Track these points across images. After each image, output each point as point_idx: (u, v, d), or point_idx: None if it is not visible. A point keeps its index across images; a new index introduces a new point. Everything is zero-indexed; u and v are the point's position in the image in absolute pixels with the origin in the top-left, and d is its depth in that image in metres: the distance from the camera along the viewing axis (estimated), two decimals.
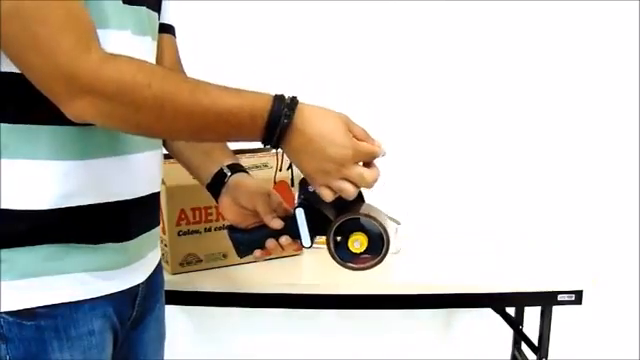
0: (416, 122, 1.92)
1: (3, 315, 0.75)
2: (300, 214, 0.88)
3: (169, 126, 0.73)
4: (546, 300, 1.44)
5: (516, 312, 1.81)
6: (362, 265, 0.88)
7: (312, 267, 1.58)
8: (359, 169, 0.78)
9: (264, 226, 0.90)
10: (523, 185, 1.95)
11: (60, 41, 0.66)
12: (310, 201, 0.87)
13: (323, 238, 0.90)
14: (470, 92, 1.91)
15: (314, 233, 0.89)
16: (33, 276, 0.77)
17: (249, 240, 0.92)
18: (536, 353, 1.53)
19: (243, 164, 1.51)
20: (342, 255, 0.87)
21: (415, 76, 1.90)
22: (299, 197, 0.89)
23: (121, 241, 0.84)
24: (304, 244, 0.89)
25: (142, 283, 0.92)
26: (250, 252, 0.92)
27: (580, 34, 1.87)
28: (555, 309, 1.46)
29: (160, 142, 0.95)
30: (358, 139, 0.78)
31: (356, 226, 0.86)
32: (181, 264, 1.42)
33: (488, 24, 1.87)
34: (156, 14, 0.93)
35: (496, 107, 1.92)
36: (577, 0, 1.84)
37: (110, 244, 0.83)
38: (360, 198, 0.88)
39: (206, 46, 1.86)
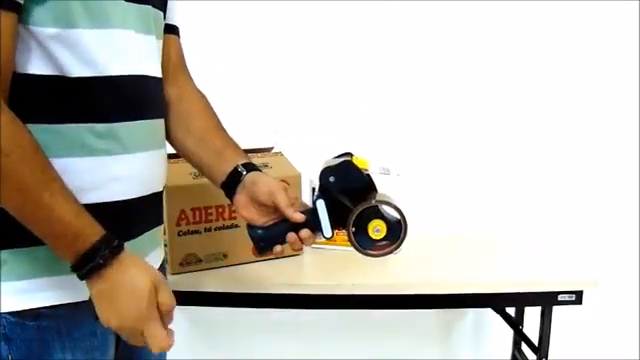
0: (416, 122, 1.92)
1: (5, 315, 0.75)
2: (321, 205, 0.91)
3: (2, 199, 0.71)
4: (546, 300, 1.43)
5: (516, 312, 1.81)
6: (382, 251, 0.91)
7: (313, 267, 1.57)
8: (142, 339, 0.78)
9: (282, 221, 0.92)
10: (523, 185, 1.95)
11: None
12: (329, 191, 0.91)
13: (322, 238, 0.92)
14: (470, 92, 1.91)
15: (334, 223, 0.91)
16: (35, 277, 0.77)
17: (269, 236, 0.93)
18: (536, 353, 1.53)
19: None
20: (362, 242, 0.90)
21: (415, 76, 1.90)
22: (319, 189, 0.92)
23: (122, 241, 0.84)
24: (325, 235, 0.92)
25: None
26: (270, 249, 0.93)
27: (580, 34, 1.87)
28: (555, 309, 1.46)
29: (164, 141, 0.95)
30: (161, 304, 0.80)
31: (375, 213, 0.90)
32: (181, 264, 1.41)
33: (488, 24, 1.87)
34: (162, 13, 0.93)
35: (497, 108, 1.92)
36: (577, 0, 1.84)
37: None
38: (373, 187, 0.93)
39: (206, 46, 1.86)
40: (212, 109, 1.03)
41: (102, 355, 0.84)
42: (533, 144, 1.94)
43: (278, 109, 1.90)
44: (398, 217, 0.90)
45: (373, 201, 0.90)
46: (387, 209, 0.90)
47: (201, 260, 1.44)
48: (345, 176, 0.91)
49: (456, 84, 1.91)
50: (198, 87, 1.06)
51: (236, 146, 1.00)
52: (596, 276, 1.41)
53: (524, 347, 1.77)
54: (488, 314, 1.91)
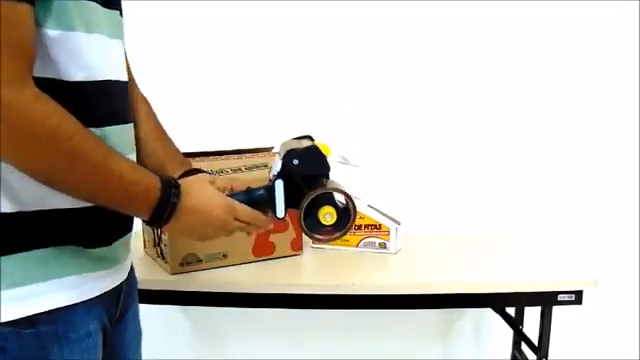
0: (416, 122, 1.92)
1: None
2: (279, 186, 0.92)
3: (75, 181, 0.73)
4: (546, 300, 1.43)
5: (516, 312, 1.81)
6: (328, 237, 0.95)
7: (312, 267, 1.57)
8: (238, 224, 0.90)
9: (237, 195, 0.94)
10: (523, 186, 1.95)
11: (1, 64, 0.65)
12: (290, 174, 0.92)
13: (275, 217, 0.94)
14: (470, 92, 1.91)
15: (288, 205, 0.93)
16: (28, 283, 0.75)
17: None
18: (536, 353, 1.53)
19: (243, 164, 1.52)
20: (311, 226, 0.93)
21: (415, 76, 1.90)
22: (280, 170, 0.93)
23: (110, 243, 0.85)
24: (278, 215, 0.93)
25: (124, 281, 0.93)
26: None
27: (580, 34, 1.87)
28: (555, 309, 1.46)
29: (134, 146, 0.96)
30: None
31: (328, 200, 0.92)
32: (181, 264, 1.41)
33: (488, 24, 1.87)
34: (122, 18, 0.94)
35: (497, 108, 1.92)
36: (577, 0, 1.84)
37: (101, 246, 0.84)
38: (325, 174, 0.94)
39: (207, 48, 1.86)
40: (154, 114, 1.05)
41: (95, 355, 0.84)
42: (533, 144, 1.94)
43: (278, 109, 1.90)
44: (349, 206, 0.93)
45: (328, 188, 0.91)
46: (339, 197, 0.93)
47: (201, 260, 1.44)
48: (309, 161, 0.92)
49: (456, 84, 1.91)
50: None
51: (176, 155, 1.04)
52: (596, 276, 1.41)
53: (524, 347, 1.77)
54: (488, 314, 1.91)
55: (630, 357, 2.04)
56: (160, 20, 1.82)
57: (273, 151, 0.94)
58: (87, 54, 0.77)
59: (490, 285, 1.43)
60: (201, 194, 0.85)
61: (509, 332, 1.89)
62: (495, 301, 1.63)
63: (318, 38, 1.87)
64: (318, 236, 0.94)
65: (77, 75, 0.76)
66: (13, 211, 0.74)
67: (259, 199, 0.93)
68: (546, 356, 1.48)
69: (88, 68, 0.78)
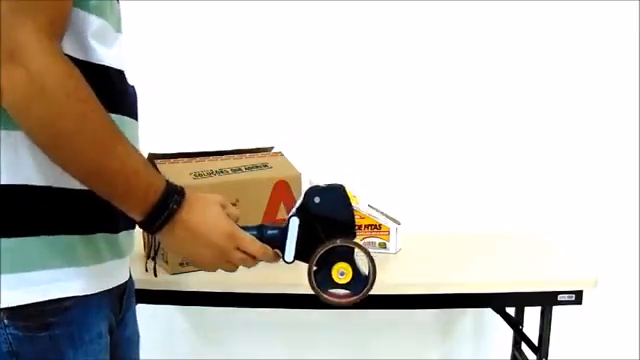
0: (416, 122, 1.93)
1: (12, 332, 0.72)
2: (294, 224, 0.82)
3: (77, 149, 0.68)
4: (546, 300, 1.43)
5: (516, 312, 1.81)
6: (338, 299, 0.82)
7: None
8: (240, 255, 0.80)
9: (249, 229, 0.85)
10: (523, 185, 1.95)
11: (38, 12, 0.64)
12: (309, 212, 0.82)
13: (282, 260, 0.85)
14: (470, 92, 1.91)
15: (299, 249, 0.83)
16: (47, 268, 0.74)
17: None
18: (536, 353, 1.52)
19: (243, 164, 1.51)
20: (320, 281, 0.82)
21: (415, 76, 1.90)
22: (298, 206, 0.84)
23: (115, 231, 0.83)
24: (286, 258, 0.83)
25: (128, 279, 0.93)
26: None
27: (580, 34, 1.87)
28: (555, 309, 1.46)
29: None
30: (231, 215, 0.81)
31: (346, 255, 0.81)
32: (181, 264, 1.41)
33: (488, 24, 1.87)
34: None
35: (497, 108, 1.92)
36: (577, 0, 1.84)
37: (106, 234, 0.82)
38: (352, 227, 0.84)
39: (208, 47, 1.86)
40: None
41: (106, 356, 0.84)
42: (533, 144, 1.94)
43: (278, 109, 1.90)
44: (369, 269, 0.81)
45: (350, 242, 0.80)
46: (361, 256, 0.81)
47: None
48: (332, 202, 0.82)
49: (456, 84, 1.91)
50: None
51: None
52: (596, 276, 1.41)
53: (524, 347, 1.77)
54: (488, 314, 1.91)
55: (630, 357, 2.04)
56: (160, 20, 1.82)
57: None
58: (115, 44, 0.80)
59: (490, 285, 1.43)
60: (205, 213, 0.77)
61: (509, 332, 1.89)
62: (495, 301, 1.63)
63: (318, 38, 1.87)
64: (327, 296, 0.81)
65: (104, 60, 0.78)
66: (43, 184, 0.72)
67: (270, 237, 0.83)
68: (546, 356, 1.48)
69: (114, 57, 0.80)
